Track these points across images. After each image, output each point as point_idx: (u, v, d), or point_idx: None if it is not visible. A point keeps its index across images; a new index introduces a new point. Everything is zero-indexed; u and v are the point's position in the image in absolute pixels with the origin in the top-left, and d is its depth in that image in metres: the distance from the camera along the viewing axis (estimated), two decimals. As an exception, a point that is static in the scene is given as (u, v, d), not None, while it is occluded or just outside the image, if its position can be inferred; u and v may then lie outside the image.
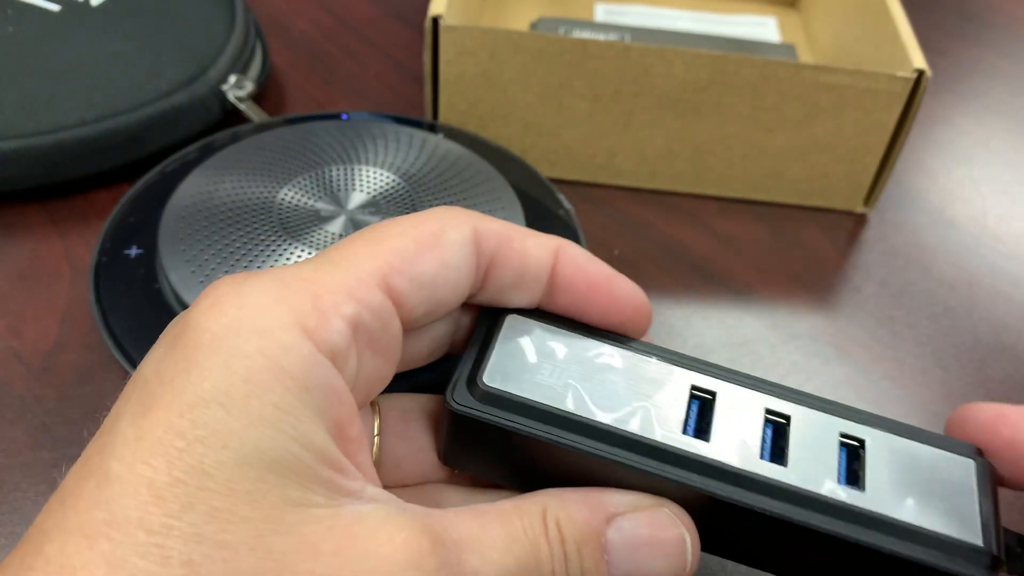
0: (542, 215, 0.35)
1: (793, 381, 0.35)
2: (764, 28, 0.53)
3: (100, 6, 0.43)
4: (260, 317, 0.18)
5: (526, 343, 0.22)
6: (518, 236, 0.22)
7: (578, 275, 0.23)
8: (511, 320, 0.23)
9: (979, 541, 0.20)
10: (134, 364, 0.29)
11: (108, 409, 0.31)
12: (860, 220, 0.43)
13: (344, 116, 0.39)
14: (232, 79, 0.42)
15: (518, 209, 0.34)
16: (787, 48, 0.49)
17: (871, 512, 0.20)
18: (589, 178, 0.43)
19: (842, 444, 0.21)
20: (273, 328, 0.18)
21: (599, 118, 0.41)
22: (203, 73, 0.41)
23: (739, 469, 0.20)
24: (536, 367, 0.21)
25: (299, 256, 0.31)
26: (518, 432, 0.20)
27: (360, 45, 0.51)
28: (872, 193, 0.42)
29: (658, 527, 0.20)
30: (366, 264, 0.19)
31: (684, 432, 0.21)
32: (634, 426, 0.21)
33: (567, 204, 0.36)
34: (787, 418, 0.21)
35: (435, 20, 0.38)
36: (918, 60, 0.38)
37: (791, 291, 0.39)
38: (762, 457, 0.20)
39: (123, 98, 0.39)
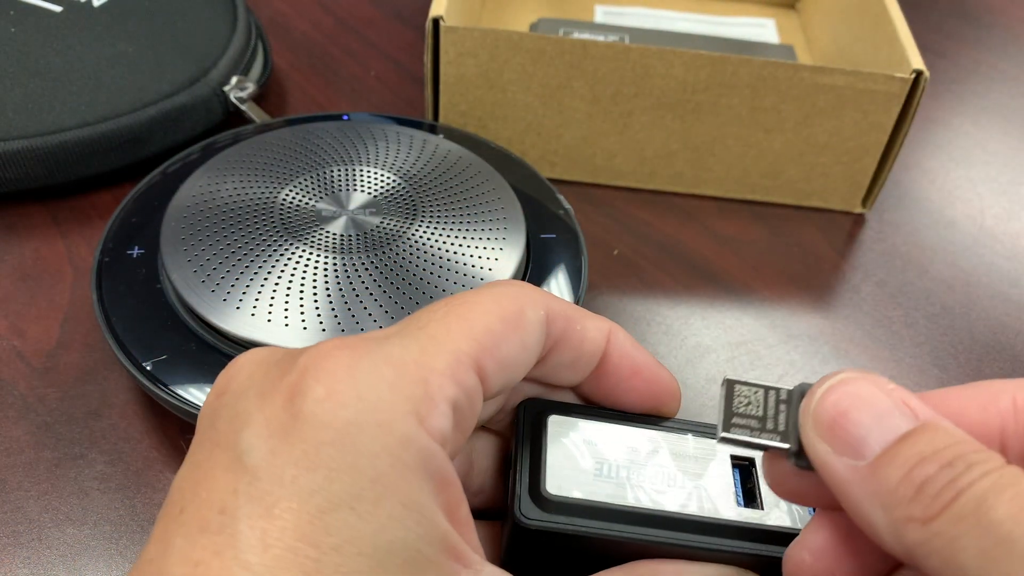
0: (542, 215, 0.35)
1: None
2: (763, 30, 0.53)
3: (102, 7, 0.43)
4: (380, 411, 0.17)
5: (574, 443, 0.23)
6: (578, 318, 0.22)
7: (624, 360, 0.23)
8: (553, 421, 0.23)
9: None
10: (135, 364, 0.29)
11: (109, 409, 0.31)
12: (858, 220, 0.43)
13: (345, 117, 0.39)
14: (234, 80, 0.42)
15: (518, 209, 0.34)
16: (786, 49, 0.49)
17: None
18: (589, 178, 0.43)
19: None
20: (394, 421, 0.17)
21: (599, 119, 0.41)
22: (205, 74, 0.41)
23: (796, 530, 0.22)
24: (591, 466, 0.22)
25: (299, 256, 0.31)
26: (593, 536, 0.21)
27: (361, 46, 0.51)
28: (870, 194, 0.42)
29: None
30: (463, 344, 0.19)
31: (738, 504, 0.22)
32: (695, 508, 0.22)
33: (566, 204, 0.36)
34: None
35: (436, 21, 0.38)
36: (916, 61, 0.38)
37: (790, 291, 0.39)
38: (811, 512, 0.22)
39: (125, 99, 0.39)
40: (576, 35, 0.47)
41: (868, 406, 0.18)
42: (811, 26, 0.53)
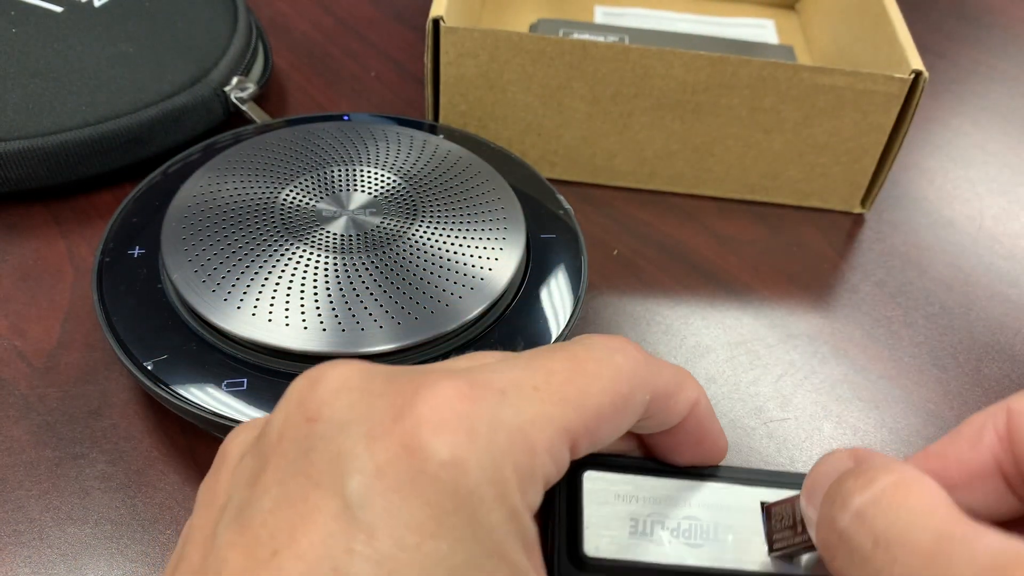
0: (542, 216, 0.36)
1: (791, 380, 0.35)
2: (762, 30, 0.54)
3: (103, 7, 0.43)
4: (497, 483, 0.17)
5: (611, 500, 0.23)
6: (674, 392, 0.22)
7: (697, 429, 0.23)
8: (589, 477, 0.23)
9: None
10: (136, 363, 0.29)
11: (110, 408, 0.31)
12: (858, 220, 0.43)
13: (346, 117, 0.39)
14: (234, 80, 0.42)
15: (518, 210, 0.34)
16: (786, 50, 0.49)
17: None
18: (589, 179, 0.43)
19: None
20: (508, 495, 0.17)
21: (598, 119, 0.41)
22: (205, 75, 0.41)
23: None
24: (628, 524, 0.23)
25: (300, 256, 0.31)
26: None
27: (361, 47, 0.51)
28: (869, 194, 0.42)
29: None
30: (572, 422, 0.18)
31: (771, 552, 0.22)
32: (731, 559, 0.22)
33: (566, 204, 0.36)
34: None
35: (436, 22, 0.38)
36: (915, 61, 0.38)
37: (789, 291, 0.39)
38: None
39: (126, 99, 0.39)
40: (576, 36, 0.48)
41: (828, 460, 0.20)
42: (811, 27, 0.53)
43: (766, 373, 0.35)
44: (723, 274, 0.40)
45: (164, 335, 0.30)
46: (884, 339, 0.37)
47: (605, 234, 0.41)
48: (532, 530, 0.17)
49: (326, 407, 0.17)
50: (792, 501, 0.22)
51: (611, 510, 0.23)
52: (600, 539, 0.22)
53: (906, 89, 0.38)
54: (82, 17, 0.42)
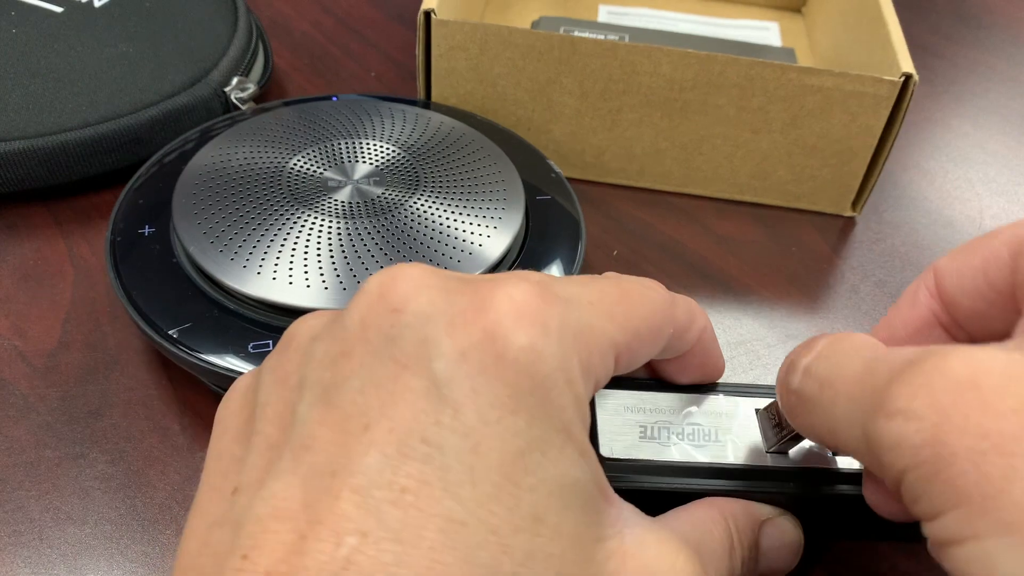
0: (537, 178, 0.37)
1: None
2: (766, 33, 0.54)
3: (103, 7, 0.43)
4: (567, 370, 0.18)
5: (621, 412, 0.26)
6: (688, 326, 0.24)
7: (701, 353, 0.25)
8: (600, 394, 0.26)
9: None
10: (162, 335, 0.30)
11: (110, 408, 0.31)
12: (858, 221, 0.43)
13: (334, 99, 0.40)
14: (234, 81, 0.42)
15: (515, 175, 0.36)
16: (787, 52, 0.49)
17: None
18: (578, 174, 0.43)
19: None
20: (575, 380, 0.19)
21: (587, 115, 0.41)
22: (205, 75, 0.41)
23: (824, 468, 0.25)
24: (638, 430, 0.25)
25: (310, 222, 0.32)
26: (647, 489, 0.24)
27: (361, 47, 0.51)
28: (860, 197, 0.42)
29: (788, 533, 0.25)
30: (619, 336, 0.20)
31: (767, 449, 0.25)
32: (732, 457, 0.25)
33: (557, 168, 0.38)
34: None
35: (427, 14, 0.39)
36: (906, 64, 0.38)
37: (788, 291, 0.39)
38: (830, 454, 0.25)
39: (126, 99, 0.39)
40: (576, 33, 0.48)
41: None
42: (815, 29, 0.53)
43: (766, 373, 0.35)
44: (723, 275, 0.40)
45: (185, 306, 0.31)
46: (884, 339, 0.37)
47: (605, 234, 0.41)
48: (588, 416, 0.19)
49: (410, 301, 0.18)
50: (776, 403, 0.24)
51: (622, 419, 0.25)
52: (614, 443, 0.25)
53: (896, 92, 0.38)
54: (82, 17, 0.42)
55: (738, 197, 0.43)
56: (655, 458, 0.24)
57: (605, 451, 0.25)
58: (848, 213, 0.43)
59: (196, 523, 0.18)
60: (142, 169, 0.36)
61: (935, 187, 0.46)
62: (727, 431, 0.25)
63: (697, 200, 0.43)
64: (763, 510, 0.24)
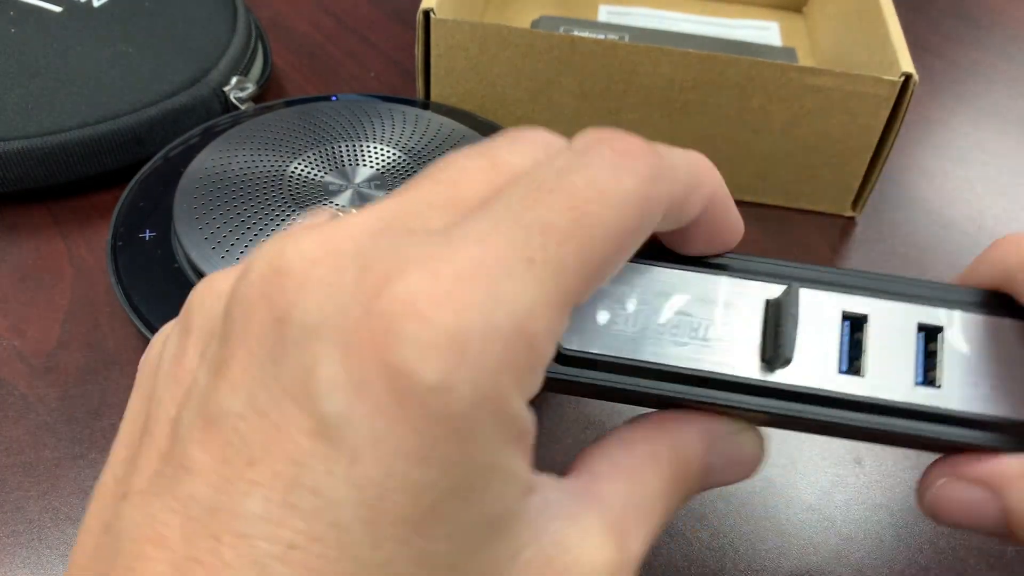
0: None
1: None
2: (767, 32, 0.53)
3: (102, 7, 0.43)
4: (494, 399, 0.15)
5: (597, 294, 0.21)
6: (690, 194, 0.19)
7: (711, 223, 0.20)
8: None
9: None
10: None
11: (109, 408, 0.31)
12: (857, 222, 0.43)
13: (334, 98, 0.40)
14: (233, 80, 0.42)
15: None
16: (788, 52, 0.49)
17: (947, 410, 0.20)
18: None
19: (919, 336, 0.21)
20: (505, 407, 0.15)
21: (587, 115, 0.41)
22: (205, 75, 0.41)
23: (820, 390, 0.20)
24: (610, 318, 0.21)
25: None
26: (607, 387, 0.20)
27: (361, 46, 0.51)
28: (860, 197, 0.42)
29: (746, 451, 0.21)
30: (573, 294, 0.16)
31: (763, 360, 0.20)
32: (712, 362, 0.20)
33: None
34: (864, 318, 0.21)
35: (426, 14, 0.38)
36: (906, 64, 0.38)
37: (789, 292, 0.39)
38: (840, 371, 0.21)
39: (125, 99, 0.39)
40: (576, 33, 0.47)
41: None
42: (816, 29, 0.53)
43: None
44: (723, 274, 0.40)
45: None
46: (884, 340, 0.37)
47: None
48: (528, 423, 0.16)
49: (295, 308, 0.15)
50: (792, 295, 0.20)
51: (598, 305, 0.21)
52: (581, 333, 0.20)
53: (896, 92, 0.38)
54: (81, 17, 0.42)
55: (738, 197, 0.43)
56: (620, 354, 0.20)
57: (566, 342, 0.20)
58: (848, 213, 0.43)
59: (92, 523, 0.17)
60: (143, 170, 0.36)
61: (935, 187, 0.46)
62: (720, 326, 0.21)
63: (697, 200, 0.43)
64: (721, 428, 0.21)
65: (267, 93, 0.47)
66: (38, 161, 0.37)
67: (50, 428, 0.31)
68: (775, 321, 0.20)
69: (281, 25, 0.52)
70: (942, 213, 0.44)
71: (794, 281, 0.21)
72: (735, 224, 0.21)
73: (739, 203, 0.43)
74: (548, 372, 0.18)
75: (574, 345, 0.20)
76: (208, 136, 0.37)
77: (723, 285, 0.21)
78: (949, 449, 0.21)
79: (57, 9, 0.42)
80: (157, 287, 0.31)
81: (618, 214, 0.16)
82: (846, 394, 0.20)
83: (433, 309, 0.15)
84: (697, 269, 0.21)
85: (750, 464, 0.22)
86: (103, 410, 0.32)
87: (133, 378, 0.33)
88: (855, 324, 0.21)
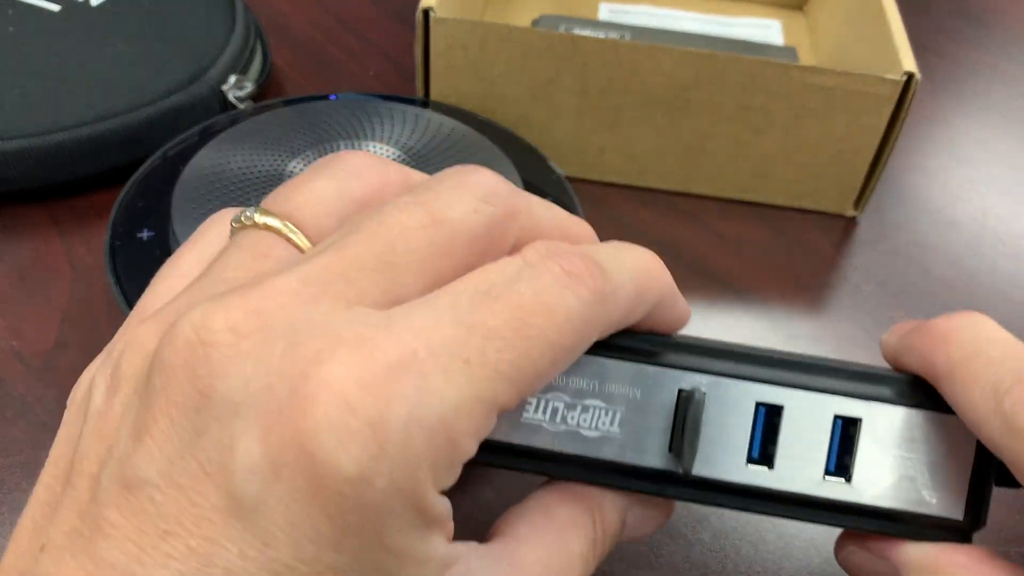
0: (538, 180, 0.37)
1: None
2: (768, 31, 0.53)
3: (100, 6, 0.43)
4: (409, 491, 0.15)
5: None
6: (633, 311, 0.19)
7: (653, 322, 0.20)
8: None
9: (959, 514, 0.21)
10: None
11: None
12: (860, 220, 0.43)
13: (333, 97, 0.40)
14: (232, 79, 0.42)
15: (516, 178, 0.35)
16: (789, 51, 0.49)
17: (855, 503, 0.21)
18: (579, 173, 0.43)
19: (833, 430, 0.21)
20: (422, 498, 0.16)
21: (588, 114, 0.41)
22: (203, 73, 0.41)
23: (727, 482, 0.21)
24: (528, 406, 0.20)
25: None
26: (521, 469, 0.21)
27: (360, 45, 0.51)
28: (862, 196, 0.42)
29: (657, 509, 0.22)
30: (504, 391, 0.16)
31: (670, 450, 0.21)
32: (621, 452, 0.21)
33: (558, 169, 0.38)
34: (780, 408, 0.21)
35: (426, 12, 0.38)
36: (908, 63, 0.38)
37: (791, 291, 0.39)
38: (750, 460, 0.21)
39: (123, 98, 0.39)
40: (576, 32, 0.47)
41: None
42: (817, 28, 0.53)
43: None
44: (724, 275, 0.39)
45: None
46: (886, 340, 0.37)
47: (606, 234, 0.41)
48: (443, 509, 0.16)
49: (219, 382, 0.15)
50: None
51: None
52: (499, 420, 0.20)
53: (898, 91, 0.38)
54: (80, 16, 0.42)
55: (740, 196, 0.43)
56: (532, 444, 0.20)
57: None
58: (850, 213, 0.43)
59: (9, 568, 0.17)
60: (141, 169, 0.36)
61: (937, 186, 0.46)
62: (635, 416, 0.21)
63: (698, 199, 0.43)
64: (620, 502, 0.21)
65: (266, 92, 0.47)
66: (36, 160, 0.37)
67: (48, 428, 0.31)
68: (683, 420, 0.20)
69: (280, 24, 0.52)
70: (944, 212, 0.44)
71: (712, 371, 0.21)
72: (679, 319, 0.21)
73: (740, 202, 0.43)
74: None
75: (495, 436, 0.20)
76: (207, 135, 0.37)
77: (639, 374, 0.21)
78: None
79: (55, 8, 0.42)
80: None
81: (559, 330, 0.16)
82: (754, 485, 0.21)
83: (359, 397, 0.14)
84: (616, 356, 0.21)
85: (662, 516, 0.22)
86: (101, 411, 0.31)
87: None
88: (770, 413, 0.21)
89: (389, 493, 0.15)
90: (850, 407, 0.21)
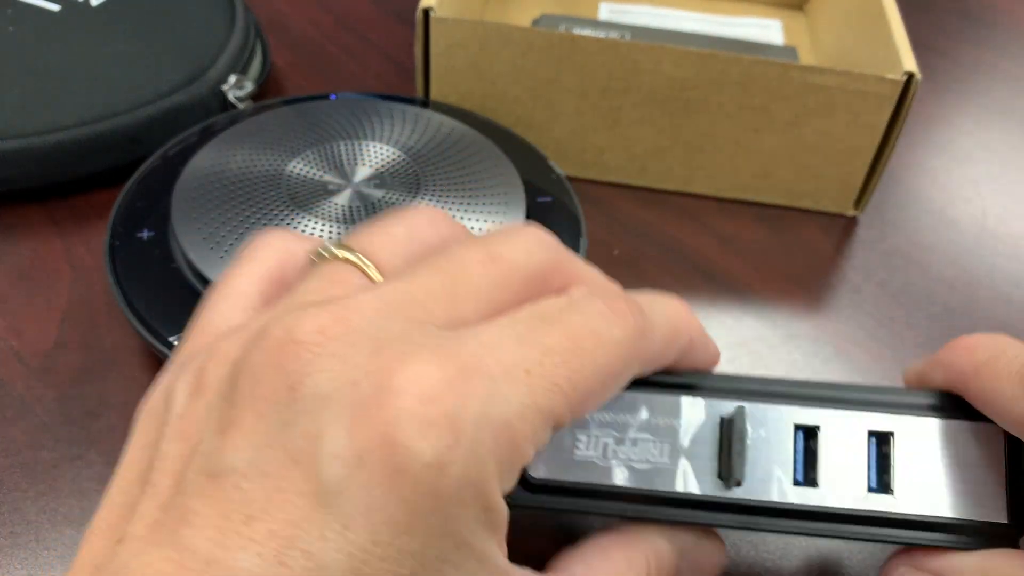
0: (538, 179, 0.37)
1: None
2: (768, 30, 0.53)
3: (100, 6, 0.43)
4: (477, 483, 0.17)
5: None
6: (667, 349, 0.21)
7: (685, 360, 0.22)
8: None
9: (1003, 518, 0.21)
10: (163, 342, 0.29)
11: (108, 409, 0.31)
12: (859, 221, 0.43)
13: (332, 97, 0.40)
14: (232, 79, 0.42)
15: (516, 177, 0.35)
16: (789, 51, 0.49)
17: (902, 515, 0.21)
18: (579, 173, 0.43)
19: (870, 446, 0.22)
20: (487, 494, 0.17)
21: (588, 114, 0.41)
22: (203, 73, 0.41)
23: (776, 504, 0.22)
24: (574, 443, 0.22)
25: (309, 228, 0.32)
26: (573, 511, 0.22)
27: (360, 45, 0.51)
28: (863, 196, 0.42)
29: (712, 557, 0.23)
30: (559, 404, 0.18)
31: (719, 477, 0.22)
32: (670, 483, 0.22)
33: (558, 169, 0.38)
34: (816, 429, 0.22)
35: (426, 12, 0.38)
36: (909, 63, 0.38)
37: (791, 291, 0.39)
38: (795, 482, 0.22)
39: (123, 98, 0.39)
40: (577, 31, 0.47)
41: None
42: (817, 28, 0.53)
43: (768, 374, 0.35)
44: (725, 274, 0.39)
45: (186, 312, 0.30)
46: (887, 340, 0.37)
47: (605, 234, 0.41)
48: (503, 514, 0.18)
49: (308, 377, 0.17)
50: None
51: (563, 430, 0.21)
52: (548, 462, 0.22)
53: (898, 91, 0.38)
54: (79, 16, 0.42)
55: (740, 196, 0.43)
56: (583, 480, 0.22)
57: (534, 471, 0.22)
58: (850, 212, 0.43)
59: (83, 562, 0.18)
60: (141, 169, 0.36)
61: (938, 186, 0.46)
62: (679, 446, 0.22)
63: (699, 199, 0.43)
64: (689, 537, 0.23)
65: (266, 92, 0.47)
66: (35, 160, 0.37)
67: (48, 429, 0.31)
68: (728, 441, 0.22)
69: (280, 23, 0.52)
70: (945, 212, 0.44)
71: (747, 397, 0.22)
72: (710, 358, 0.23)
73: (740, 202, 0.43)
74: (520, 500, 0.20)
75: (542, 474, 0.22)
76: (206, 135, 0.37)
77: (682, 406, 0.22)
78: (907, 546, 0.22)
79: (55, 8, 0.42)
80: (155, 287, 0.31)
81: (606, 356, 0.19)
82: (802, 505, 0.22)
83: (437, 392, 0.16)
84: (658, 391, 0.22)
85: (713, 570, 0.23)
86: (101, 411, 0.31)
87: (132, 378, 0.33)
88: (808, 434, 0.22)
89: (461, 483, 0.16)
90: (883, 422, 0.22)
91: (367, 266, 0.20)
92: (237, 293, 0.21)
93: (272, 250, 0.22)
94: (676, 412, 0.22)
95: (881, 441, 0.22)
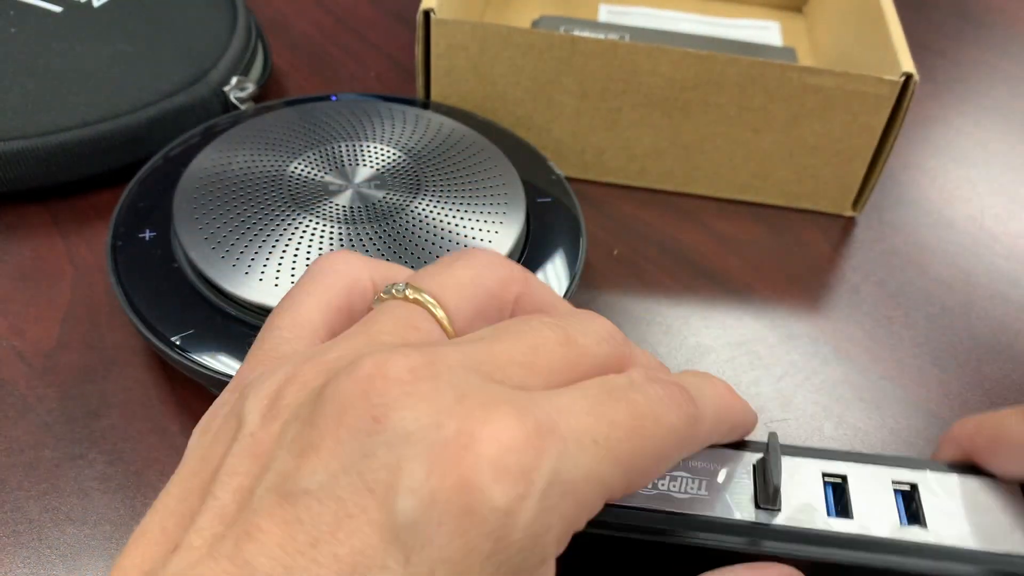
0: (538, 180, 0.37)
1: (792, 381, 0.35)
2: (767, 32, 0.53)
3: (102, 7, 0.43)
4: (540, 536, 0.17)
5: None
6: (711, 437, 0.23)
7: (740, 432, 0.24)
8: None
9: None
10: (165, 342, 0.30)
11: (109, 408, 0.31)
12: (858, 221, 0.43)
13: (333, 98, 0.40)
14: (233, 80, 0.42)
15: (516, 178, 0.35)
16: (787, 52, 0.49)
17: (935, 544, 0.23)
18: (579, 174, 0.43)
19: (896, 491, 0.24)
20: (546, 545, 0.18)
21: (587, 115, 0.41)
22: (205, 74, 0.41)
23: (812, 530, 0.23)
24: None
25: (311, 228, 0.32)
26: (625, 539, 0.23)
27: (361, 46, 0.51)
28: (861, 196, 0.42)
29: None
30: (618, 478, 0.19)
31: (757, 506, 0.23)
32: (708, 510, 0.23)
33: (557, 170, 0.38)
34: (844, 478, 0.24)
35: (427, 14, 0.38)
36: (907, 64, 0.38)
37: (790, 291, 0.39)
38: (829, 515, 0.23)
39: (125, 99, 0.39)
40: (576, 33, 0.47)
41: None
42: (816, 29, 0.53)
43: (767, 374, 0.35)
44: (724, 274, 0.40)
45: (187, 312, 0.30)
46: (885, 339, 0.37)
47: (605, 234, 0.41)
48: (553, 570, 0.18)
49: (394, 413, 0.17)
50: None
51: None
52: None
53: (896, 91, 0.38)
54: (81, 17, 0.42)
55: (739, 197, 0.43)
56: (630, 503, 0.23)
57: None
58: (849, 213, 0.43)
59: (129, 565, 0.18)
60: (143, 170, 0.36)
61: (936, 186, 0.46)
62: (714, 483, 0.24)
63: (698, 200, 0.43)
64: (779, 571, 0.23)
65: (267, 93, 0.47)
66: (38, 161, 0.37)
67: (50, 428, 0.31)
68: (763, 466, 0.23)
69: (281, 24, 0.52)
70: (943, 212, 0.44)
71: (780, 451, 0.24)
72: (746, 432, 0.25)
73: (739, 203, 0.43)
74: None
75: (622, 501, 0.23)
76: (208, 136, 0.37)
77: (720, 455, 0.24)
78: None
79: (57, 9, 0.42)
80: (157, 287, 0.31)
81: (663, 439, 0.19)
82: (839, 532, 0.23)
83: (516, 445, 0.17)
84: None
85: None
86: (103, 410, 0.32)
87: (133, 378, 0.33)
88: (836, 485, 0.24)
89: (526, 533, 0.17)
90: (906, 475, 0.24)
91: (435, 308, 0.21)
92: (304, 321, 0.22)
93: (338, 276, 0.23)
94: (713, 459, 0.24)
95: (907, 493, 0.24)
